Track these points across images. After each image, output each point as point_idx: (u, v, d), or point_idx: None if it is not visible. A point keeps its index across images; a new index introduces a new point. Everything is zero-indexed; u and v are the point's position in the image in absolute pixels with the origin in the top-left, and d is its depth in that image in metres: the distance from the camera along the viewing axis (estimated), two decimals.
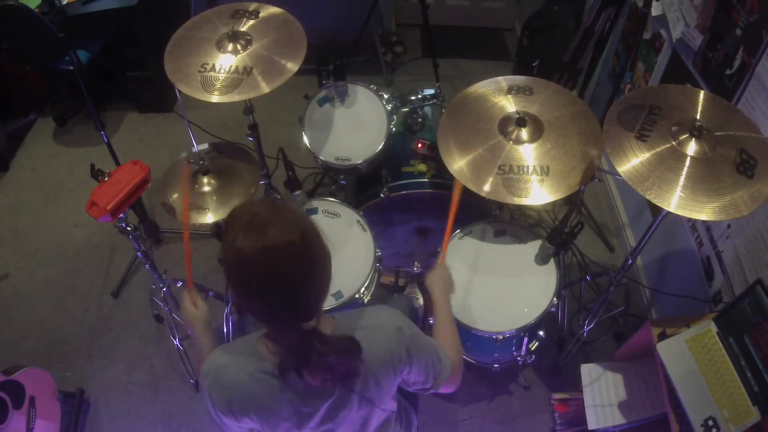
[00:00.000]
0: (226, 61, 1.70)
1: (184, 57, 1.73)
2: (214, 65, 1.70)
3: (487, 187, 1.62)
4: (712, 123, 1.42)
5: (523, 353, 1.90)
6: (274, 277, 0.94)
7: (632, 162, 1.39)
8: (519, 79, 1.83)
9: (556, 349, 2.26)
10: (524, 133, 1.68)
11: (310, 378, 1.02)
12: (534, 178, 1.62)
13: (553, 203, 2.79)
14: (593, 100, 2.97)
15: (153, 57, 3.06)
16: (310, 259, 0.97)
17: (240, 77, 1.67)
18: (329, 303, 1.74)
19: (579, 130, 1.70)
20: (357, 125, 2.08)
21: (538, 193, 1.60)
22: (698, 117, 1.45)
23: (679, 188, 1.33)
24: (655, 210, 1.95)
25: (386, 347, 1.11)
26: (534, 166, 1.63)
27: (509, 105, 1.76)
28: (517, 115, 1.68)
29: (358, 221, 1.94)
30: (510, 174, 1.63)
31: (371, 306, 1.21)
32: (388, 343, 1.11)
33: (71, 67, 2.21)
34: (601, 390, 1.92)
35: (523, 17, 3.33)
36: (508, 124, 1.70)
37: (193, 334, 1.40)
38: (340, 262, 1.84)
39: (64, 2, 2.78)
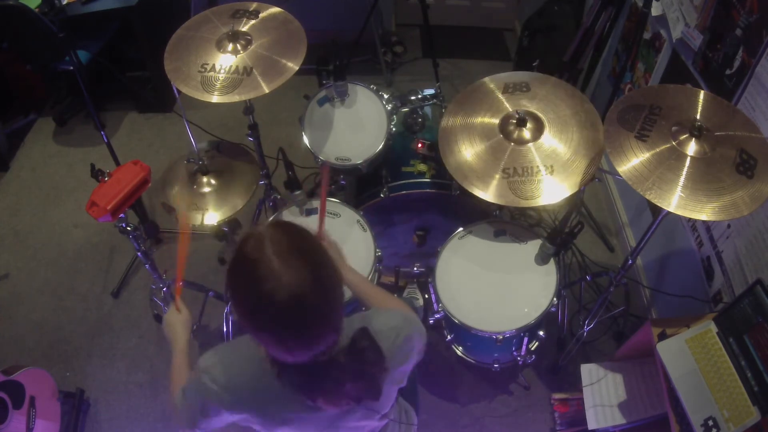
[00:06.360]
0: (226, 61, 1.70)
1: (184, 57, 1.72)
2: (214, 65, 1.70)
3: (493, 192, 1.61)
4: (712, 123, 1.42)
5: (523, 353, 1.90)
6: (292, 322, 0.88)
7: (632, 162, 1.39)
8: (516, 76, 1.82)
9: (556, 349, 2.26)
10: (526, 132, 1.68)
11: (326, 406, 0.99)
12: (540, 178, 1.61)
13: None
14: (593, 100, 2.97)
15: (153, 57, 3.06)
16: (326, 297, 0.91)
17: (240, 77, 1.67)
18: None
19: (579, 123, 1.69)
20: (357, 125, 2.08)
21: (546, 194, 1.59)
22: (698, 117, 1.45)
23: (679, 188, 1.33)
24: (655, 210, 1.95)
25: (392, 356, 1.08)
26: (538, 166, 1.63)
27: (508, 105, 1.76)
28: (517, 116, 1.68)
29: (358, 221, 1.94)
30: (515, 176, 1.62)
31: (370, 311, 1.16)
32: (393, 351, 1.08)
33: (71, 67, 2.21)
34: (601, 390, 1.92)
35: (523, 17, 3.33)
36: (508, 125, 1.70)
37: (171, 345, 1.31)
38: None
39: (64, 2, 2.78)
